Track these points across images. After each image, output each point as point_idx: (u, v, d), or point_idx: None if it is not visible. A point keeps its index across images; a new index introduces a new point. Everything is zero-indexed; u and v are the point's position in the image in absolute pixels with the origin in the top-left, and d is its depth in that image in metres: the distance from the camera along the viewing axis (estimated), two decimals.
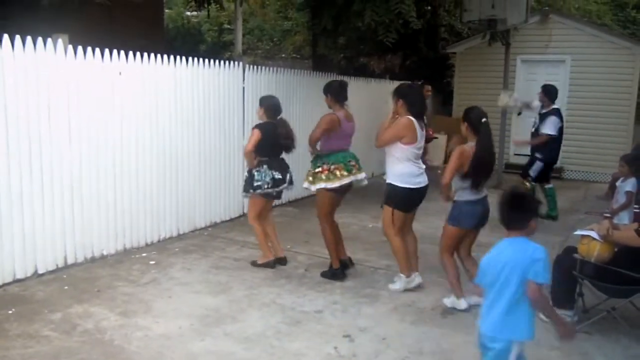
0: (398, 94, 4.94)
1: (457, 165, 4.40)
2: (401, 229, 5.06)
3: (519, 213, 2.88)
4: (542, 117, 7.70)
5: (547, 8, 12.63)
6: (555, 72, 11.88)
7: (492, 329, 2.85)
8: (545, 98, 7.72)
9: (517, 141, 9.32)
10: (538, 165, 7.68)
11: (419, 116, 4.90)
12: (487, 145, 4.44)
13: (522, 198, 2.96)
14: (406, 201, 4.92)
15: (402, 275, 5.06)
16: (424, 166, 5.01)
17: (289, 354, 3.88)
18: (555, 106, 7.78)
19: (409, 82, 6.68)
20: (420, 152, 4.97)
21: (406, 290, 5.03)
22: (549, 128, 7.56)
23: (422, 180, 4.94)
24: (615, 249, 4.37)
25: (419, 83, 8.96)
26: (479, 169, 4.40)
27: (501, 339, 2.82)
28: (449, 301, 4.69)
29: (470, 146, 4.42)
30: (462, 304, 4.62)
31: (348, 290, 5.03)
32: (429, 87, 9.37)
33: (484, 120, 4.39)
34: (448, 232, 4.64)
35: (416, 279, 5.11)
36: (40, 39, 4.99)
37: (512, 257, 2.79)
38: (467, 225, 4.55)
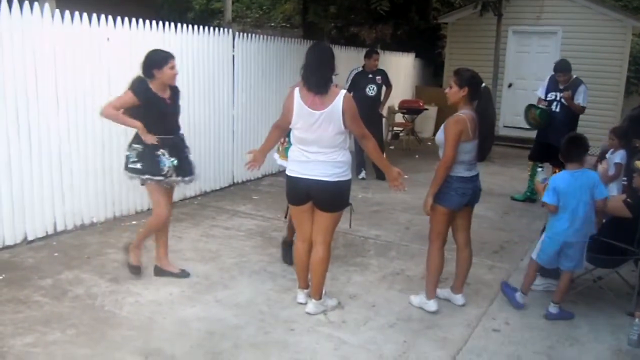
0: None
1: (458, 138, 3.82)
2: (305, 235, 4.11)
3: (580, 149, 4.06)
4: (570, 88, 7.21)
5: None
6: (547, 43, 11.87)
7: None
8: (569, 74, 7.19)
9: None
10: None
11: (310, 86, 3.80)
12: (492, 110, 4.07)
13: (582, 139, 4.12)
14: (288, 190, 4.02)
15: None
16: (315, 157, 3.80)
17: (279, 320, 3.92)
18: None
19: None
20: (308, 135, 3.80)
21: (395, 259, 5.05)
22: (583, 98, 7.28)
23: (298, 170, 3.87)
24: (603, 220, 4.43)
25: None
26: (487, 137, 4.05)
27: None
28: (417, 300, 4.23)
29: (465, 114, 3.87)
30: (432, 305, 4.12)
31: (338, 259, 5.06)
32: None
33: (483, 85, 4.02)
34: (437, 213, 3.99)
35: (299, 295, 4.26)
36: (26, 3, 4.89)
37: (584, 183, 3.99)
38: (454, 205, 3.96)
